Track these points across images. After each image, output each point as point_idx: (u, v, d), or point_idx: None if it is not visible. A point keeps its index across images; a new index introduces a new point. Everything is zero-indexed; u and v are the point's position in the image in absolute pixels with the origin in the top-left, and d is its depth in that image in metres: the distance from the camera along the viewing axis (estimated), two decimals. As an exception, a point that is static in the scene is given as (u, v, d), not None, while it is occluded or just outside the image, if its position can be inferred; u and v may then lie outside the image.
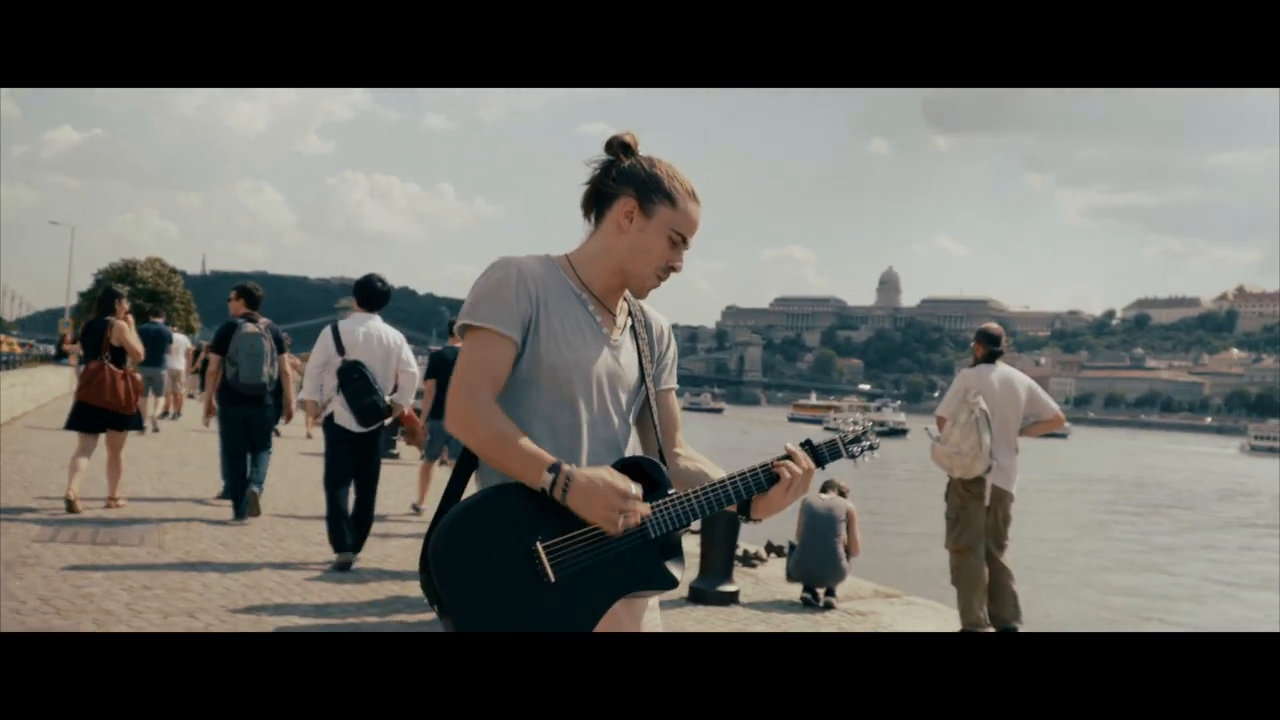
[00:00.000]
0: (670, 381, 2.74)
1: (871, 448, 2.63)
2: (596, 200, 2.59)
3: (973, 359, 7.77)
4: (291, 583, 7.40)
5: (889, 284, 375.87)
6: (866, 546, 8.65)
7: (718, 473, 2.59)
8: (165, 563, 7.66)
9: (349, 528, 8.09)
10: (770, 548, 10.04)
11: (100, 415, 9.47)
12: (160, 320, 19.23)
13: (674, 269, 2.58)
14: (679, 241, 2.55)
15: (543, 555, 2.32)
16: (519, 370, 2.46)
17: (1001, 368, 7.58)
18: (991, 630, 7.39)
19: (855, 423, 2.67)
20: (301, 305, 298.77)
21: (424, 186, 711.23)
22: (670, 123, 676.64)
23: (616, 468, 2.45)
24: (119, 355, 9.53)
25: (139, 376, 9.90)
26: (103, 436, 9.66)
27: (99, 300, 9.95)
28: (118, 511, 9.56)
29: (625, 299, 2.66)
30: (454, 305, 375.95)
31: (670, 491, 2.48)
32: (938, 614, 8.13)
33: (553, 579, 2.31)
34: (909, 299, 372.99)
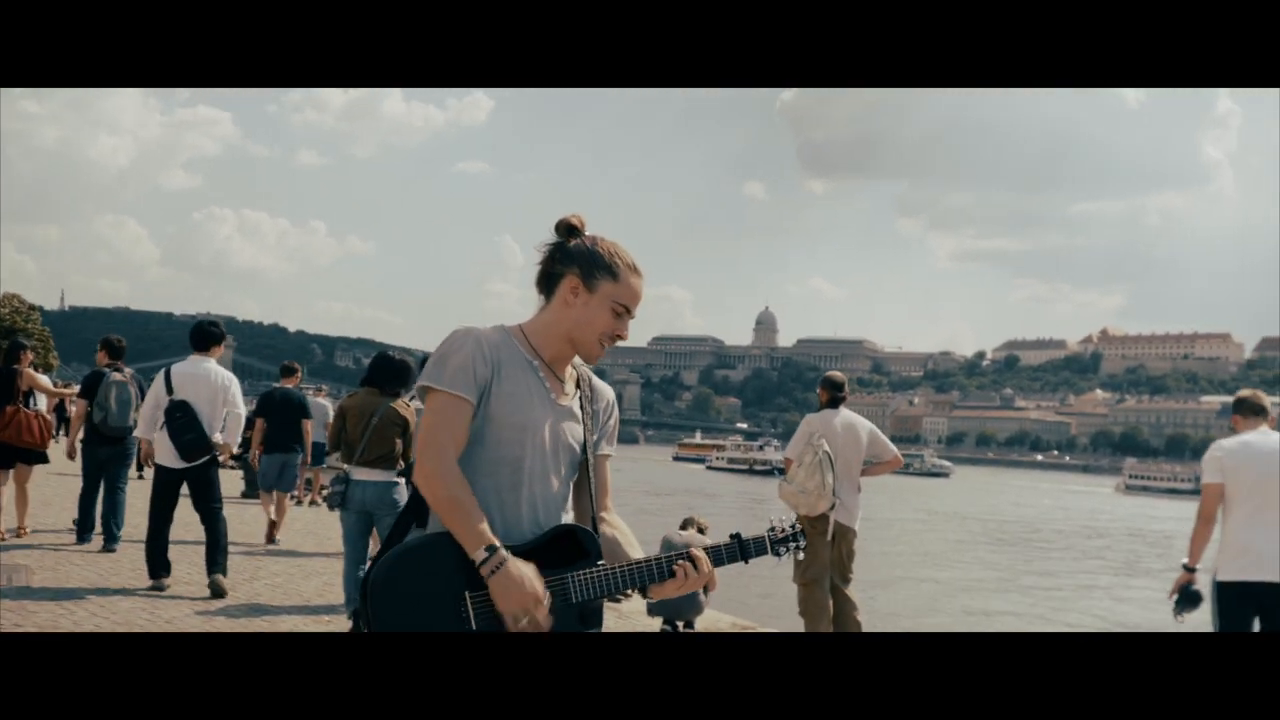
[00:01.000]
0: (607, 449, 2.94)
1: (798, 548, 2.86)
2: (547, 279, 2.79)
3: (819, 404, 8.26)
4: (162, 619, 7.55)
5: (765, 324, 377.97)
6: (726, 581, 9.07)
7: (633, 545, 2.83)
8: (35, 602, 7.75)
9: (165, 557, 8.66)
10: (634, 583, 10.41)
11: (14, 452, 10.38)
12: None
13: (619, 337, 2.78)
14: (622, 312, 2.75)
15: (469, 604, 2.53)
16: (471, 428, 2.66)
17: (844, 413, 8.08)
18: None
19: (793, 525, 2.88)
20: (166, 343, 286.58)
21: (294, 222, 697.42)
22: (546, 162, 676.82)
23: (554, 533, 2.69)
24: (28, 398, 10.51)
25: (49, 417, 10.81)
26: (11, 472, 10.50)
27: (6, 352, 10.87)
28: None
29: (575, 367, 2.86)
30: (324, 341, 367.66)
31: (599, 563, 2.70)
32: (789, 645, 8.55)
33: (474, 626, 2.53)
34: (785, 339, 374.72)
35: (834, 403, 8.11)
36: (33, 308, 54.48)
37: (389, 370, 7.92)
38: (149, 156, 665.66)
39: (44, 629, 6.96)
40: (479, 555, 2.52)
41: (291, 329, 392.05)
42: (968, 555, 34.82)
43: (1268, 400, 6.52)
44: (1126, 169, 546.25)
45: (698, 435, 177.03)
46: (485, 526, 2.56)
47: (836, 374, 8.40)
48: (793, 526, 2.86)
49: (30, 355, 11.01)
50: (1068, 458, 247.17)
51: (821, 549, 7.87)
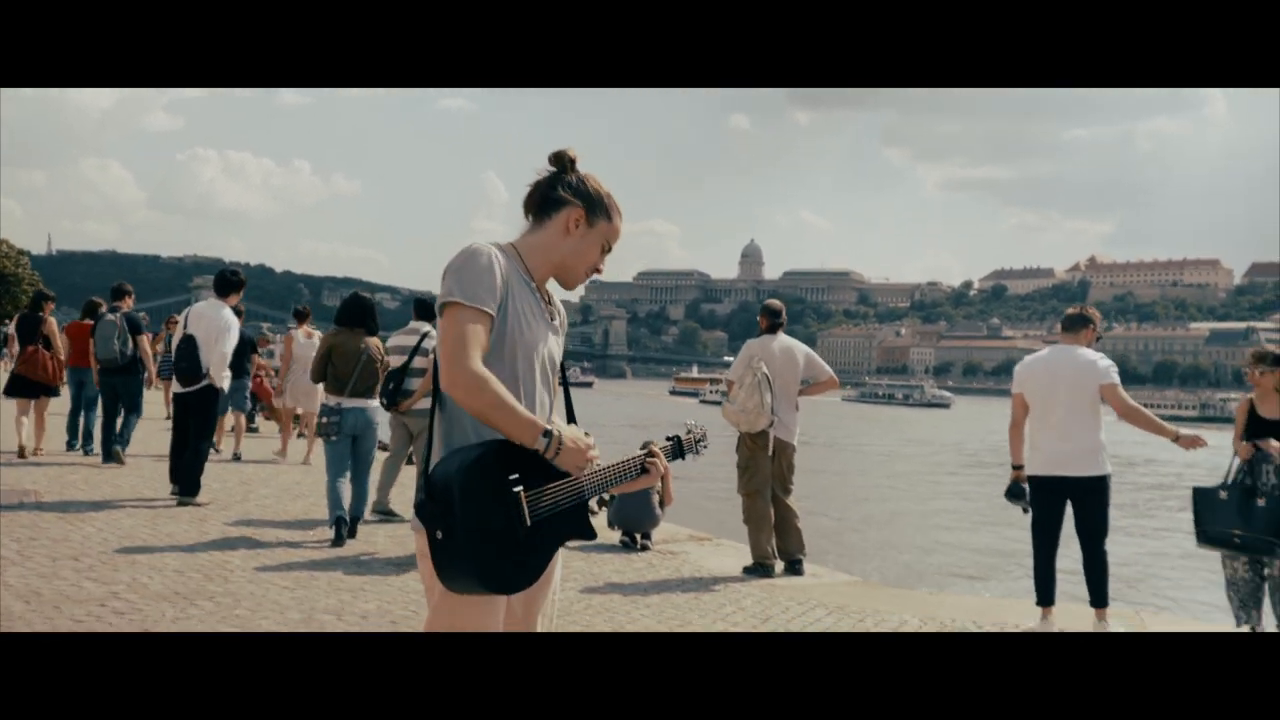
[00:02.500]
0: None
1: (705, 446, 3.35)
2: (543, 204, 3.01)
3: (759, 330, 8.93)
4: (163, 533, 8.33)
5: (751, 257, 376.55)
6: (685, 496, 9.83)
7: None
8: (45, 518, 8.56)
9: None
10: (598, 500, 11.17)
11: (34, 386, 12.44)
12: None
13: (598, 270, 3.10)
14: (607, 250, 3.07)
15: (523, 502, 2.72)
16: None
17: (782, 337, 8.78)
18: (780, 562, 8.57)
19: (697, 426, 3.38)
20: (154, 285, 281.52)
21: (279, 162, 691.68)
22: (528, 99, 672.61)
23: None
24: (48, 341, 12.51)
25: (62, 357, 12.50)
26: (33, 402, 12.52)
27: (32, 300, 13.27)
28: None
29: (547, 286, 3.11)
30: (311, 281, 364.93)
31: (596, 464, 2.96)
32: (739, 553, 9.27)
33: (528, 523, 2.72)
34: (771, 271, 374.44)
35: (773, 329, 8.79)
36: (21, 252, 54.72)
37: (368, 310, 8.84)
38: (130, 98, 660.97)
39: (57, 541, 7.72)
40: (540, 442, 2.74)
41: (278, 269, 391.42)
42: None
43: (1094, 314, 7.52)
44: (1118, 94, 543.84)
45: (694, 369, 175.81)
46: (533, 416, 2.78)
47: (774, 302, 9.08)
48: (701, 429, 3.38)
49: (51, 305, 13.02)
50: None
51: (763, 463, 8.56)
